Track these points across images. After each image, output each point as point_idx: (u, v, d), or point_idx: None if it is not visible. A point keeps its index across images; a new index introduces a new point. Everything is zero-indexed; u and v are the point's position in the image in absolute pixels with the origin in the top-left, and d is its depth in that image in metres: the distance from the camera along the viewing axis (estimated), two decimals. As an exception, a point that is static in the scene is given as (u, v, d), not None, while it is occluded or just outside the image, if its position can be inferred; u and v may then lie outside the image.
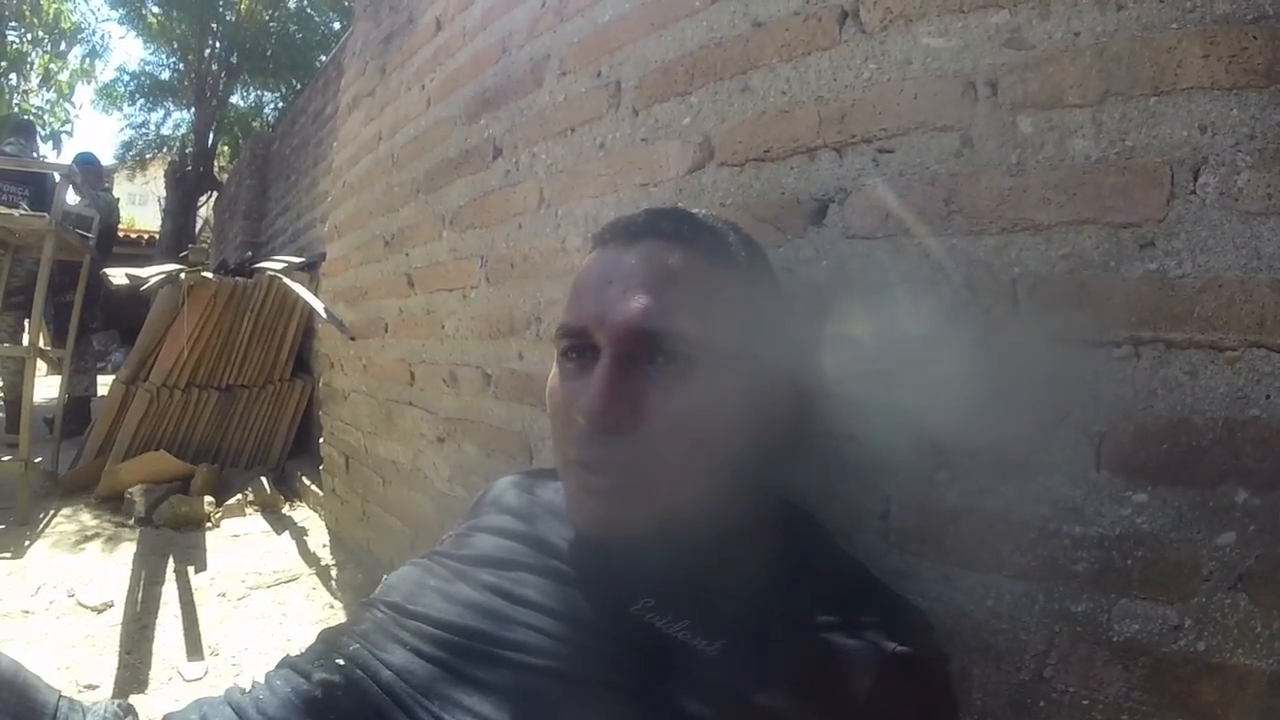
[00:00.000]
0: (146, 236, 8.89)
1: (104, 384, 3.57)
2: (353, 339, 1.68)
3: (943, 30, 0.57)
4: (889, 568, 0.57)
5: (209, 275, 2.41)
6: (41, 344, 2.52)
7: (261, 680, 0.54)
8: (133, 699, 1.23)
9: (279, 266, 2.26)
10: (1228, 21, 0.44)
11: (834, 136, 0.64)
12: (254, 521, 2.22)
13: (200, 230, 6.58)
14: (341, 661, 0.51)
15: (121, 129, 7.47)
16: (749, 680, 0.45)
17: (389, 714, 0.46)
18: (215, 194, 6.31)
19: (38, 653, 1.42)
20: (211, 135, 6.43)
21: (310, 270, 2.54)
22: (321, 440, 2.09)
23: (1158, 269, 0.46)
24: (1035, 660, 0.51)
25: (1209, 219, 0.45)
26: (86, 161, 3.42)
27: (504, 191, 1.14)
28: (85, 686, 1.32)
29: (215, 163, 6.67)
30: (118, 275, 2.36)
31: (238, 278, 2.53)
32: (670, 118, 0.83)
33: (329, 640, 0.55)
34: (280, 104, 6.87)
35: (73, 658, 1.42)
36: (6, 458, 2.29)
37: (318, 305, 1.75)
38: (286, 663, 0.55)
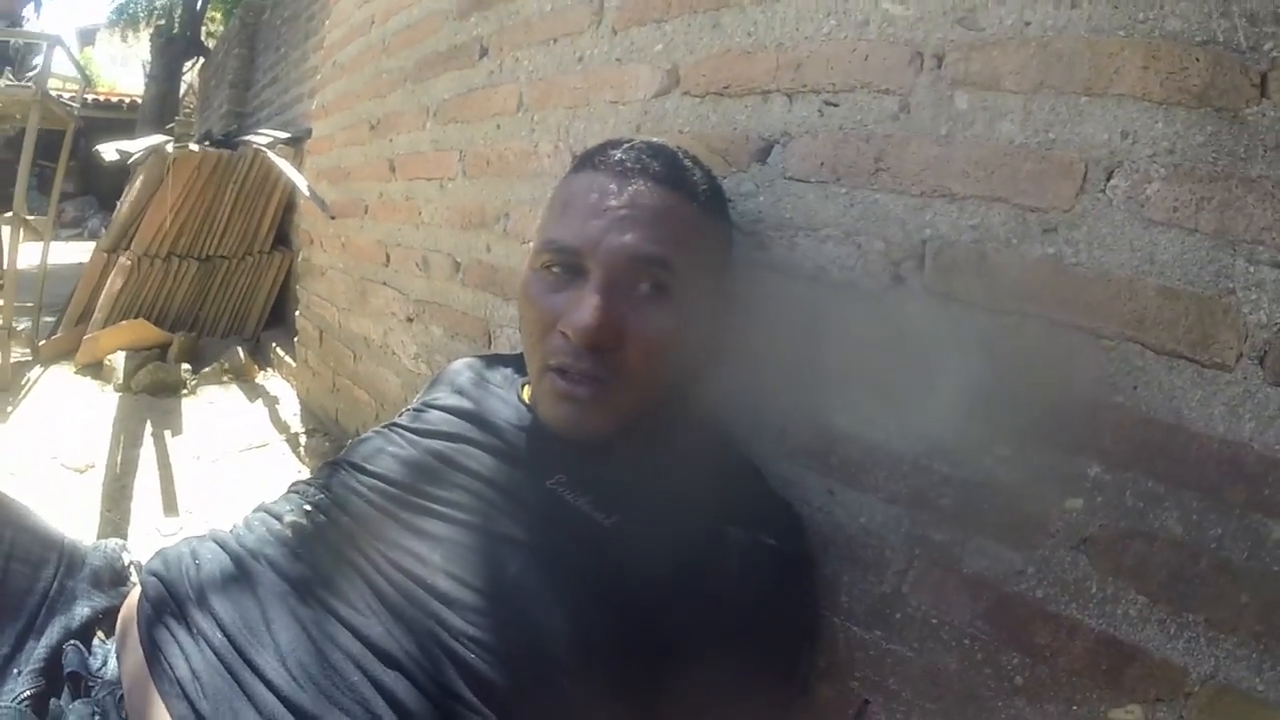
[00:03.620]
0: (129, 100, 8.18)
1: (82, 251, 3.35)
2: (333, 218, 1.62)
3: None
4: (780, 475, 0.60)
5: (195, 148, 2.24)
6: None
7: (240, 523, 0.59)
8: None
9: (264, 141, 2.11)
10: (1175, 39, 0.43)
11: (787, 83, 0.64)
12: (229, 390, 2.21)
13: (184, 96, 6.04)
14: (309, 508, 0.57)
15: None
16: (634, 550, 0.50)
17: (345, 551, 0.52)
18: (201, 60, 5.75)
19: None
20: (200, 0, 5.76)
21: (295, 145, 2.40)
22: (298, 313, 2.06)
23: (1055, 254, 0.47)
24: (896, 576, 0.55)
25: (1112, 219, 0.45)
26: None
27: (486, 91, 1.10)
28: None
29: (204, 29, 6.03)
30: (109, 150, 2.16)
31: (222, 149, 2.36)
32: (645, 42, 0.80)
33: (299, 490, 0.61)
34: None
35: (58, 516, 1.41)
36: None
37: (301, 182, 1.67)
38: (262, 507, 0.60)
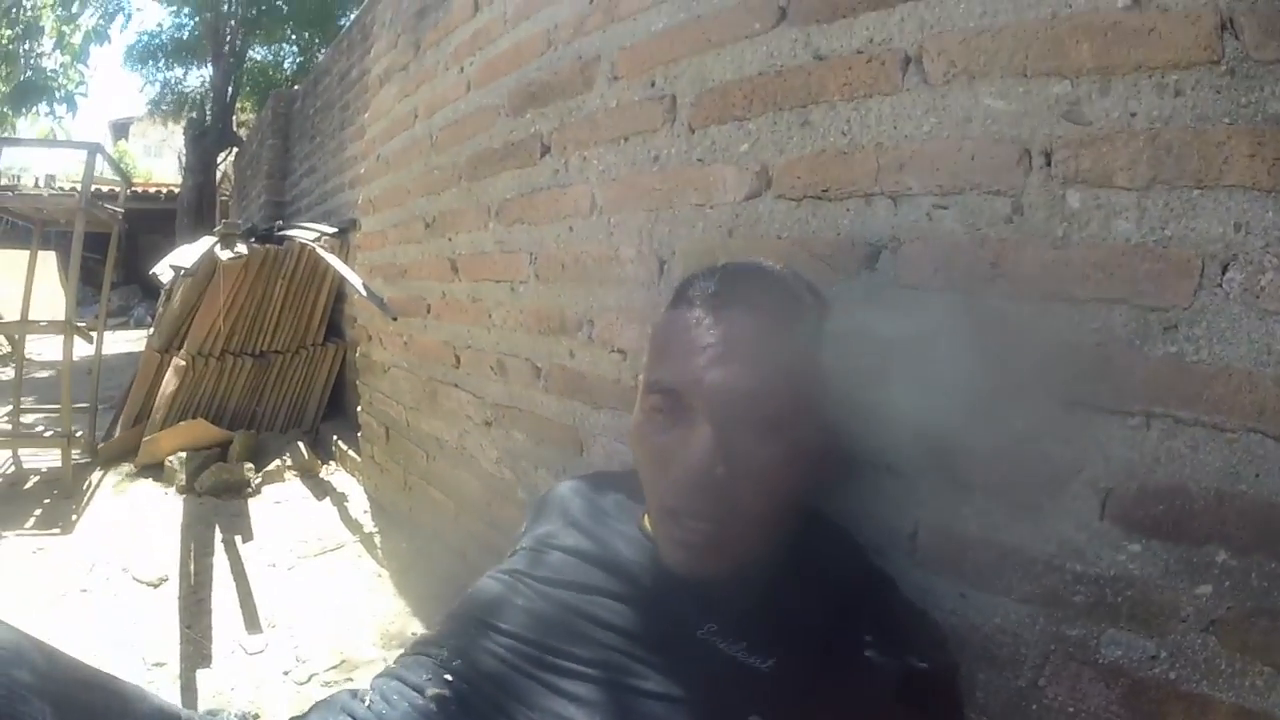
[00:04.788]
0: (166, 190, 8.97)
1: (129, 340, 3.56)
2: (394, 319, 1.75)
3: (1004, 93, 0.59)
4: (913, 582, 0.64)
5: (244, 250, 2.45)
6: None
7: (368, 688, 0.62)
8: (200, 674, 1.32)
9: (311, 236, 2.32)
10: (1277, 122, 0.47)
11: (891, 185, 0.67)
12: (294, 487, 2.30)
13: (220, 183, 6.65)
14: (449, 677, 0.59)
15: (143, 87, 7.72)
16: (794, 693, 0.53)
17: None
18: (235, 151, 6.36)
19: (101, 631, 1.47)
20: (230, 90, 6.43)
21: (341, 236, 2.60)
22: (360, 409, 2.16)
23: (1177, 352, 0.52)
24: (1032, 671, 0.58)
25: (1230, 312, 0.49)
26: None
27: (553, 191, 1.18)
28: (154, 664, 1.37)
29: (235, 118, 6.69)
30: (164, 270, 2.40)
31: (268, 245, 2.60)
32: (727, 141, 0.86)
33: (428, 654, 0.63)
34: (300, 58, 6.84)
35: (136, 635, 1.47)
36: (47, 432, 2.38)
37: (356, 281, 1.82)
38: (394, 675, 0.62)
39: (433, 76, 1.68)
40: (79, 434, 2.47)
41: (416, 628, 1.50)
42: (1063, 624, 0.57)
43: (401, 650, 0.70)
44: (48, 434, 2.44)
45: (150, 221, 7.61)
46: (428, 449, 1.69)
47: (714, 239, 0.88)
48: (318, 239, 2.34)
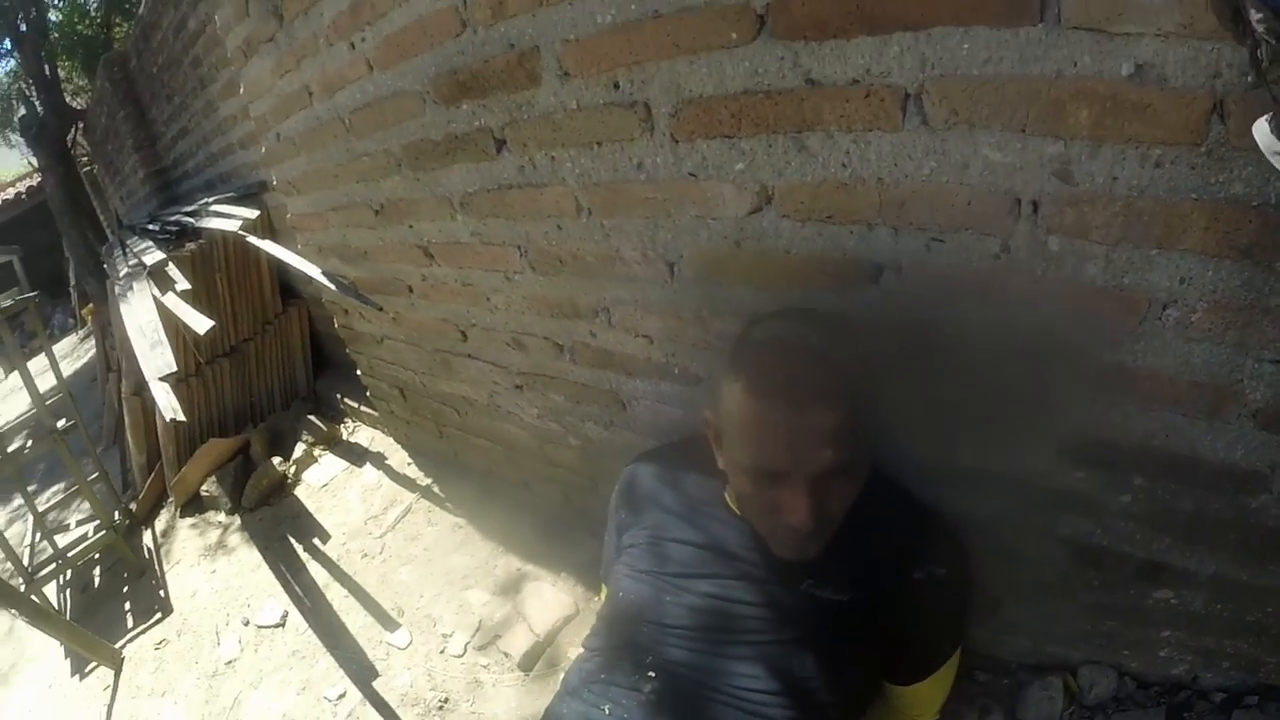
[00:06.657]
0: (25, 188, 6.89)
1: (63, 355, 2.85)
2: (380, 309, 1.57)
3: (1002, 145, 0.58)
4: (926, 492, 0.79)
5: (208, 321, 1.80)
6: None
7: (592, 693, 0.71)
8: (376, 686, 1.27)
9: (233, 224, 1.90)
10: (1236, 202, 0.49)
11: (893, 219, 0.67)
12: (330, 464, 2.09)
13: (74, 150, 4.99)
14: (652, 674, 0.70)
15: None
16: (865, 614, 0.70)
17: (695, 694, 0.67)
18: (80, 124, 4.72)
19: (271, 691, 1.36)
20: (47, 65, 4.52)
21: (252, 200, 2.16)
22: (360, 373, 1.99)
23: (1119, 360, 0.61)
24: (1010, 540, 0.78)
25: (1164, 337, 0.58)
26: None
27: (527, 190, 1.04)
28: (337, 698, 1.29)
29: (64, 90, 4.83)
30: (163, 397, 1.67)
31: (189, 246, 2.12)
32: (720, 159, 0.78)
33: (625, 657, 0.72)
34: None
35: (300, 676, 1.38)
36: (89, 529, 2.06)
37: (315, 273, 1.57)
38: (610, 682, 0.71)
39: (314, 51, 1.33)
40: (117, 517, 2.18)
41: (517, 565, 1.42)
42: (1028, 514, 0.75)
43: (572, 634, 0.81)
44: (91, 536, 2.11)
45: (25, 224, 5.97)
46: (456, 407, 1.61)
47: (722, 248, 0.85)
48: (241, 226, 1.92)
